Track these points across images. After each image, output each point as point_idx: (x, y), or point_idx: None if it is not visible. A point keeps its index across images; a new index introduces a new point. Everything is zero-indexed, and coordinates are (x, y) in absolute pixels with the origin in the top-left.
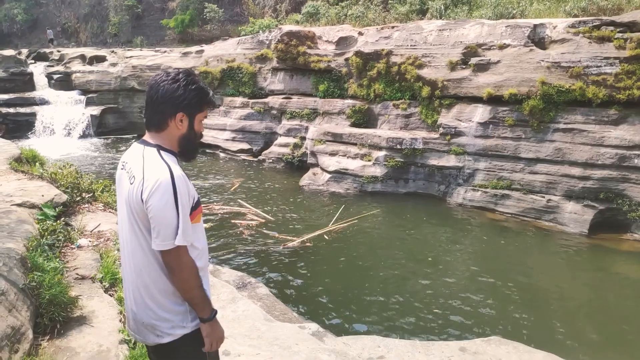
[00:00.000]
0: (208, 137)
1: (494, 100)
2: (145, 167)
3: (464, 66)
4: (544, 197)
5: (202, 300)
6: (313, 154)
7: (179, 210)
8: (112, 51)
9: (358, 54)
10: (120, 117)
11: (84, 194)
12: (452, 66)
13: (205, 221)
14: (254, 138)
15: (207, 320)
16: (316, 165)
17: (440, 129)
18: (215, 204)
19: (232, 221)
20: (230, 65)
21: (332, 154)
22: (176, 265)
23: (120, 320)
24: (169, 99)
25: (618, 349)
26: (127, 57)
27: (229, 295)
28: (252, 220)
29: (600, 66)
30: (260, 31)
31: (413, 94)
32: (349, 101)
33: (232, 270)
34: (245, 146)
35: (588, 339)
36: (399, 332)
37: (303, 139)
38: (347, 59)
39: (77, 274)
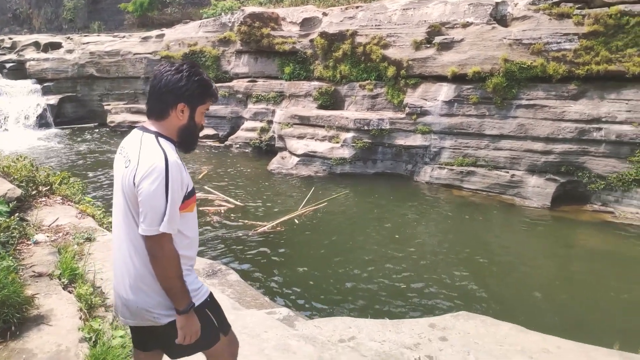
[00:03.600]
0: None
1: (458, 78)
2: (142, 152)
3: (428, 45)
4: (508, 172)
5: (180, 291)
6: (281, 137)
7: (169, 197)
8: (68, 37)
9: (323, 35)
10: (80, 105)
11: (40, 188)
12: (417, 45)
13: None
14: (219, 123)
15: (183, 312)
16: (284, 149)
17: (407, 108)
18: None
19: (200, 208)
20: (193, 49)
21: (300, 137)
22: (158, 253)
23: (81, 318)
24: (172, 89)
25: (579, 316)
26: (84, 44)
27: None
28: (220, 206)
29: (560, 42)
30: (223, 13)
31: (379, 75)
32: (316, 83)
33: (201, 258)
34: (211, 132)
35: (551, 308)
36: (371, 312)
37: (270, 122)
38: (312, 40)
39: (33, 271)
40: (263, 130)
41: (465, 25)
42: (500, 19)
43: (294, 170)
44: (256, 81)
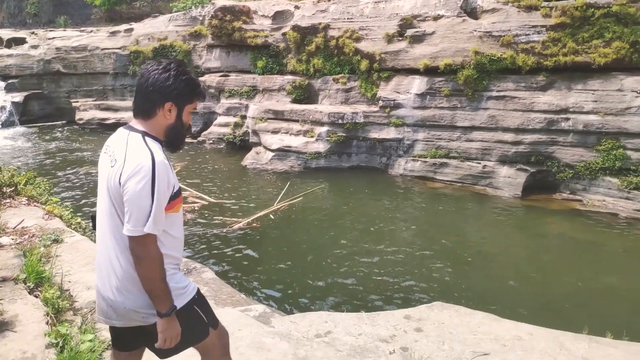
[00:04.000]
0: None
1: (430, 71)
2: (128, 151)
3: (400, 38)
4: (479, 163)
5: (162, 294)
6: (255, 132)
7: (154, 197)
8: (33, 32)
9: (295, 28)
10: (47, 103)
11: (4, 189)
12: (389, 38)
13: None
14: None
15: (165, 315)
16: (259, 144)
17: (380, 102)
18: None
19: None
20: (163, 43)
21: (275, 131)
22: (142, 254)
23: (47, 323)
24: (159, 88)
25: (550, 303)
26: (49, 39)
27: None
28: (194, 203)
29: (529, 34)
30: (193, 7)
31: (352, 68)
32: (289, 77)
33: None
34: None
35: (523, 296)
36: (348, 305)
37: (244, 117)
38: (284, 34)
39: None
40: (237, 126)
41: (437, 17)
42: (471, 11)
43: (269, 166)
44: (228, 75)
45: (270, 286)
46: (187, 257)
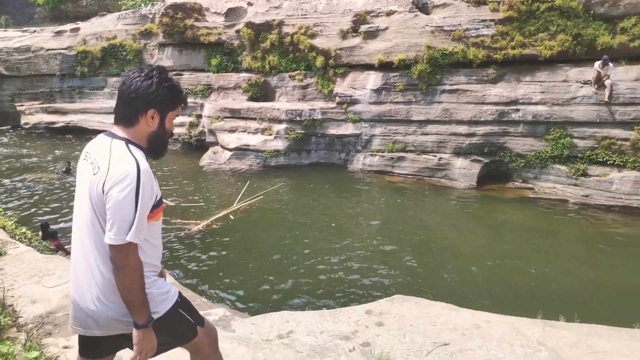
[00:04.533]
0: (94, 122)
1: (385, 66)
2: (112, 158)
3: (354, 34)
4: (435, 156)
5: (140, 304)
6: (211, 132)
7: (138, 206)
8: None
9: (249, 25)
10: None
11: None
12: (344, 34)
13: None
14: None
15: (142, 326)
16: (216, 143)
17: (337, 98)
18: None
19: None
20: (112, 42)
21: (232, 130)
22: (121, 263)
23: None
24: (142, 95)
25: (506, 289)
26: None
27: None
28: None
29: (479, 28)
30: (143, 5)
31: (308, 65)
32: (244, 75)
33: None
34: None
35: (481, 284)
36: (311, 304)
37: (199, 117)
38: (238, 31)
39: None
40: (192, 125)
41: (390, 13)
42: (422, 6)
43: (227, 165)
44: (182, 74)
45: (232, 288)
46: None
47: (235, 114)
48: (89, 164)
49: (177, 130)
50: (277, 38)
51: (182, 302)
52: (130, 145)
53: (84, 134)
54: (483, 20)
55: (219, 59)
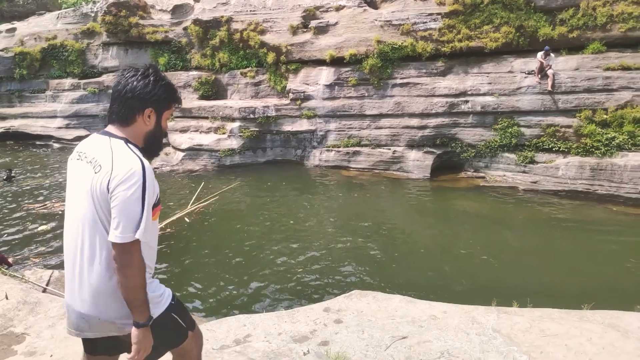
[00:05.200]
0: (37, 127)
1: (336, 62)
2: (115, 157)
3: (305, 30)
4: (389, 149)
5: (142, 303)
6: None
7: (145, 203)
8: None
9: (197, 22)
10: None
11: None
12: (294, 30)
13: (46, 222)
14: (91, 122)
15: (143, 325)
16: (167, 144)
17: (290, 94)
18: (54, 201)
19: None
20: (52, 43)
21: (183, 130)
22: (126, 261)
23: None
24: (138, 94)
25: (461, 278)
26: None
27: (62, 309)
28: None
29: (426, 22)
30: (84, 3)
31: (260, 61)
32: (194, 73)
33: None
34: (83, 132)
35: (437, 273)
36: (271, 305)
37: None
38: (185, 29)
39: None
40: None
41: (339, 8)
42: (371, 1)
43: (180, 166)
44: None
45: (191, 294)
46: None
47: (186, 113)
48: (86, 163)
49: None
50: (226, 35)
51: (175, 305)
52: (129, 144)
53: (26, 140)
54: (430, 14)
55: (167, 58)
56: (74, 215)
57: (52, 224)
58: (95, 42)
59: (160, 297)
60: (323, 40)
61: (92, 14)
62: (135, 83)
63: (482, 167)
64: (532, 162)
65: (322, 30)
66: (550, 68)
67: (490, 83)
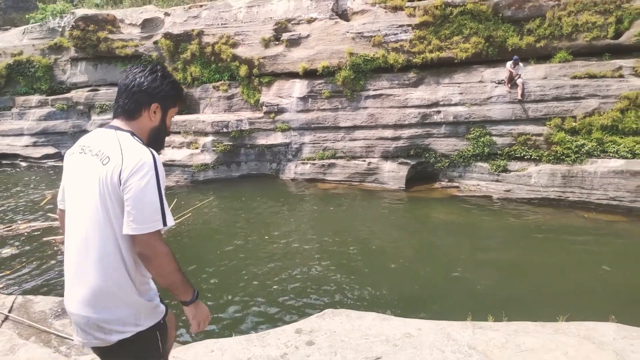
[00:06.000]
0: (2, 145)
1: (309, 74)
2: (124, 148)
3: (277, 42)
4: (365, 161)
5: (182, 283)
6: None
7: (161, 191)
8: None
9: (167, 35)
10: None
11: None
12: (266, 43)
13: (10, 245)
14: (60, 140)
15: (191, 302)
16: None
17: (264, 107)
18: (20, 222)
19: (45, 239)
20: (18, 59)
21: None
22: (150, 252)
23: None
24: (146, 88)
25: (436, 291)
26: None
27: (6, 344)
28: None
29: (397, 34)
30: (51, 17)
31: (232, 74)
32: None
33: (49, 297)
34: (51, 150)
35: (412, 288)
36: (244, 326)
37: None
38: (156, 42)
39: None
40: None
41: (310, 20)
42: (342, 13)
43: None
44: (98, 90)
45: None
46: (62, 295)
47: None
48: (91, 156)
49: None
50: (197, 48)
51: (163, 325)
52: (135, 137)
53: None
54: (401, 26)
55: None
56: (76, 213)
57: (16, 248)
58: (63, 57)
59: (154, 308)
60: (295, 52)
61: (60, 29)
62: (143, 78)
63: (456, 177)
64: (505, 170)
65: (294, 42)
66: (519, 77)
67: (461, 93)
